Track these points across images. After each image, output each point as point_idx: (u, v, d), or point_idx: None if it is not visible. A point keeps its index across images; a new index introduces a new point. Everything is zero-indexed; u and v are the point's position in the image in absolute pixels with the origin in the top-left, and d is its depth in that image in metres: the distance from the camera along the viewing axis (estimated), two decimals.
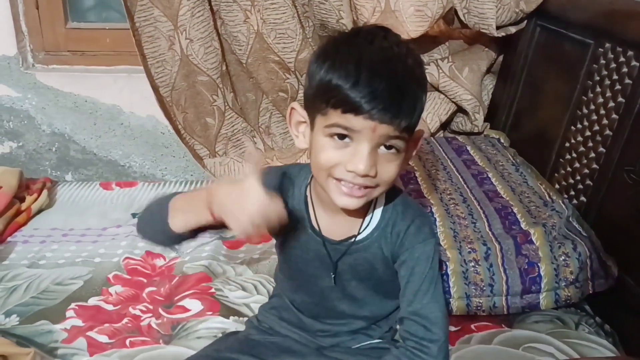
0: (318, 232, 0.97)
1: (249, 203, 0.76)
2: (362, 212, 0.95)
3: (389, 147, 0.83)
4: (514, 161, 1.61)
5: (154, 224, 0.91)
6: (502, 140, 1.77)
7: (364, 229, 0.96)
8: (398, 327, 0.96)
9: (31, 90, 1.97)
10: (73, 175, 2.10)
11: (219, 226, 0.85)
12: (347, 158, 0.82)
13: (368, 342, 1.06)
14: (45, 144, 2.05)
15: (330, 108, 0.81)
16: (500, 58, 1.93)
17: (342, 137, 0.82)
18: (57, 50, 2.02)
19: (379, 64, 0.80)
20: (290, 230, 0.97)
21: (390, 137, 0.82)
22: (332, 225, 0.96)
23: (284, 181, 0.97)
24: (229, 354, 0.99)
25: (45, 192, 1.75)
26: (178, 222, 0.87)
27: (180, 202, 0.89)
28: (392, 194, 0.96)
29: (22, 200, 1.70)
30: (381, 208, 0.96)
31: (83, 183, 1.91)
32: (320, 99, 0.83)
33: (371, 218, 0.96)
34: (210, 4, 1.76)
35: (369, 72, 0.79)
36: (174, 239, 0.90)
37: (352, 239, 0.96)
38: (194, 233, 0.90)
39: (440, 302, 0.93)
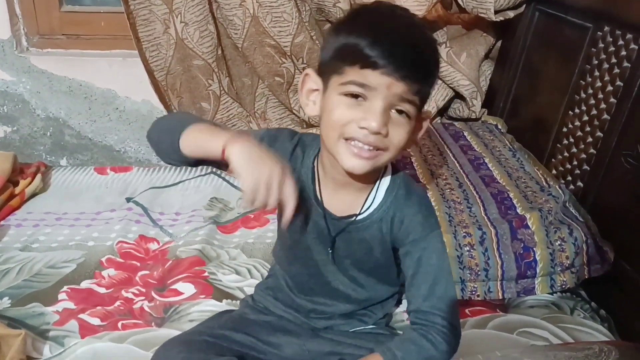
0: (320, 203, 0.96)
1: (275, 172, 0.80)
2: (366, 189, 0.95)
3: (400, 112, 0.84)
4: (511, 147, 1.60)
5: (166, 135, 0.91)
6: (499, 126, 1.76)
7: (366, 209, 0.95)
8: (410, 315, 0.95)
9: (25, 74, 1.95)
10: (68, 160, 2.09)
11: (221, 164, 0.86)
12: (360, 115, 0.82)
13: (362, 328, 1.06)
14: (39, 128, 2.03)
15: (348, 66, 0.82)
16: (499, 43, 1.92)
17: (356, 96, 0.83)
18: (51, 34, 1.99)
19: (398, 28, 0.84)
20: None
21: (404, 99, 0.82)
22: (334, 200, 0.96)
23: (297, 148, 0.98)
24: (223, 331, 0.99)
25: (39, 176, 1.74)
26: (187, 146, 0.88)
27: (199, 129, 0.89)
28: (395, 176, 0.96)
29: (16, 184, 1.68)
30: (385, 188, 0.95)
31: (78, 168, 1.90)
32: (338, 59, 0.84)
33: (374, 198, 0.95)
34: None
35: (388, 33, 0.82)
36: (178, 157, 0.90)
37: (353, 217, 0.95)
38: (198, 162, 0.92)
39: (453, 291, 0.95)
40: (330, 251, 0.98)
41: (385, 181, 0.96)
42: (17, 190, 1.66)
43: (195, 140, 0.88)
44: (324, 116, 0.87)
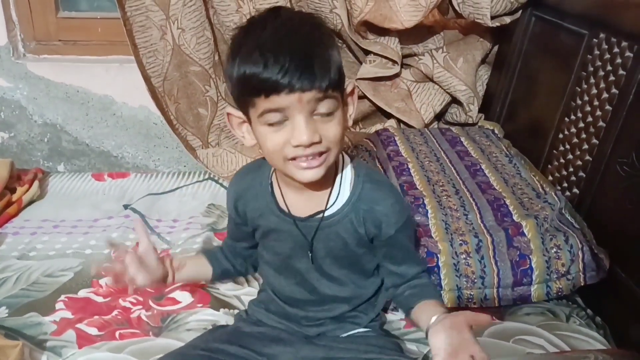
0: (287, 212, 0.99)
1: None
2: (328, 185, 0.98)
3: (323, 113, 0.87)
4: (507, 152, 1.60)
5: None
6: (496, 132, 1.76)
7: (332, 204, 0.98)
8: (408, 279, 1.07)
9: (22, 80, 1.95)
10: (65, 166, 2.08)
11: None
12: (289, 135, 0.86)
13: (356, 331, 1.07)
14: (37, 134, 2.03)
15: (255, 97, 0.85)
16: (495, 48, 1.92)
17: (278, 121, 0.86)
18: (48, 40, 1.99)
19: (278, 41, 0.84)
20: (261, 218, 1.03)
21: (318, 101, 0.85)
22: (300, 203, 0.99)
23: (247, 178, 1.05)
24: (218, 345, 1.00)
25: (36, 183, 1.75)
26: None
27: None
28: (357, 168, 1.00)
29: (13, 191, 1.69)
30: (349, 182, 0.99)
31: (75, 174, 1.90)
32: (243, 94, 0.87)
33: (339, 193, 0.98)
34: None
35: (272, 52, 0.83)
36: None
37: (321, 214, 0.98)
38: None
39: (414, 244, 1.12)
40: (310, 255, 1.00)
41: (347, 175, 0.99)
42: (15, 197, 1.67)
43: None
44: (261, 146, 0.91)
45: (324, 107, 0.86)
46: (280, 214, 1.00)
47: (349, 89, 0.93)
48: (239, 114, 0.92)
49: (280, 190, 1.00)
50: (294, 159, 0.88)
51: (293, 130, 0.85)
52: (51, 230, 1.56)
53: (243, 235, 1.12)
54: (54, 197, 1.75)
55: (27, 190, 1.70)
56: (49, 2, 1.95)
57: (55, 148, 2.05)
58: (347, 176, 0.99)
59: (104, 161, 2.08)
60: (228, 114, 0.94)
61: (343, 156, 1.01)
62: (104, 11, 2.00)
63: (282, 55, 0.82)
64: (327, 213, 0.98)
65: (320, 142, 0.86)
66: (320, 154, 0.88)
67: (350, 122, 0.95)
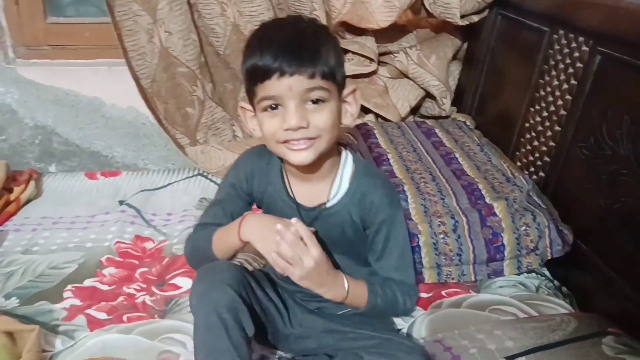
0: (293, 199, 1.07)
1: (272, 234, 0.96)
2: (330, 177, 1.07)
3: (315, 102, 0.95)
4: (479, 142, 1.71)
5: (202, 258, 1.08)
6: (468, 123, 1.88)
7: (333, 196, 1.06)
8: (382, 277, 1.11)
9: (13, 84, 2.01)
10: (57, 167, 2.14)
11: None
12: (281, 120, 0.95)
13: (348, 310, 1.16)
14: (28, 137, 2.09)
15: (254, 86, 0.95)
16: (465, 45, 2.04)
17: (273, 107, 0.95)
18: (37, 45, 2.05)
19: (277, 35, 0.95)
20: (268, 199, 1.10)
21: (309, 89, 0.93)
22: (305, 192, 1.07)
23: (263, 159, 1.10)
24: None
25: (32, 182, 1.81)
26: (221, 255, 1.07)
27: (217, 234, 1.08)
28: (357, 164, 1.08)
29: (10, 191, 1.75)
30: (348, 176, 1.07)
31: (69, 173, 1.96)
32: (247, 83, 0.97)
33: (339, 186, 1.07)
34: None
35: (270, 43, 0.93)
36: None
37: (323, 205, 1.07)
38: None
39: (412, 258, 1.17)
40: None
41: (348, 169, 1.07)
42: (12, 196, 1.73)
43: (221, 248, 1.07)
44: (262, 132, 1.00)
45: (314, 95, 0.94)
46: (286, 199, 1.08)
47: (349, 89, 1.02)
48: (249, 107, 1.01)
49: (288, 179, 1.08)
50: (285, 142, 0.96)
51: (284, 115, 0.94)
52: (51, 226, 1.63)
53: (237, 210, 1.13)
54: (50, 196, 1.82)
55: (24, 190, 1.77)
56: (37, 8, 2.01)
57: (46, 150, 2.11)
58: (347, 170, 1.07)
59: (94, 161, 2.14)
60: (241, 107, 1.04)
61: (345, 152, 1.09)
62: (90, 17, 2.07)
63: (276, 44, 0.92)
64: (329, 204, 1.06)
65: (307, 127, 0.94)
66: (309, 139, 0.96)
67: (350, 121, 1.03)
